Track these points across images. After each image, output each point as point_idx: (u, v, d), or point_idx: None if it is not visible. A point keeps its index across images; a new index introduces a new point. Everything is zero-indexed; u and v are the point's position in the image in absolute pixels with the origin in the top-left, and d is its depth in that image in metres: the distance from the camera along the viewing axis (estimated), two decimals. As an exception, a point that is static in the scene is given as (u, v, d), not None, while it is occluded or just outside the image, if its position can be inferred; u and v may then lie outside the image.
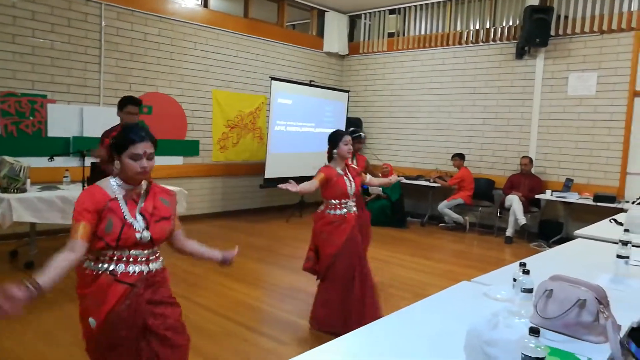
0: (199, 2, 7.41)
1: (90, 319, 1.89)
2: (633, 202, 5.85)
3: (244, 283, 4.68)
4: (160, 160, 3.99)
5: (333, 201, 3.52)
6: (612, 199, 6.28)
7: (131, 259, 1.94)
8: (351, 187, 3.55)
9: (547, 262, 2.73)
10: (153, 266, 2.01)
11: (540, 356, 1.27)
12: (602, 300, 1.73)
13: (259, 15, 8.32)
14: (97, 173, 5.26)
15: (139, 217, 1.95)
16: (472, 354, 1.49)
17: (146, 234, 1.94)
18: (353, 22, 9.68)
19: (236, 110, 7.89)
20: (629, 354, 1.41)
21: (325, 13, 9.22)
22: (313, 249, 3.60)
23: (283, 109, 7.86)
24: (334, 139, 3.58)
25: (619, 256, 2.58)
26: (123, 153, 1.92)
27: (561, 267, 2.16)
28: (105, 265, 1.91)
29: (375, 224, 7.67)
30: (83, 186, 4.77)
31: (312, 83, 8.72)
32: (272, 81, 7.65)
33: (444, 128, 8.38)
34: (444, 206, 7.67)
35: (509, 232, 6.96)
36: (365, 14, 9.35)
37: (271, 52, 8.38)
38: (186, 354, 2.10)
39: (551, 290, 1.79)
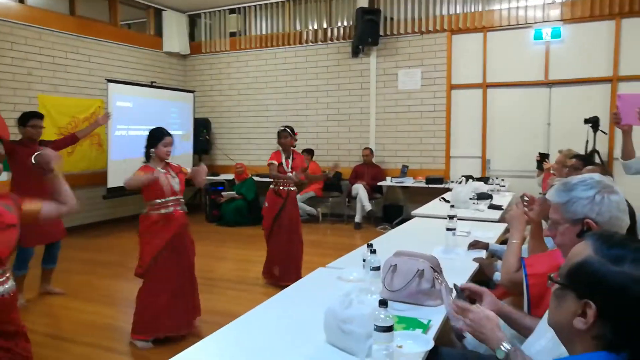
0: (13, -3, 6.57)
1: None
2: (456, 182, 6.71)
3: (93, 302, 4.32)
4: None
5: (156, 201, 3.36)
6: (440, 180, 7.10)
7: None
8: (173, 185, 3.39)
9: (390, 242, 3.00)
10: (2, 289, 1.71)
11: (388, 324, 1.41)
12: (436, 268, 1.97)
13: (89, 14, 7.65)
14: None
15: None
16: (331, 332, 1.60)
17: None
18: (193, 21, 9.45)
19: (69, 117, 7.17)
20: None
21: (163, 12, 8.84)
22: (142, 254, 3.44)
23: (123, 113, 7.37)
24: (154, 138, 3.41)
25: (447, 229, 2.95)
26: None
27: (403, 244, 2.40)
28: None
29: (233, 225, 7.71)
30: None
31: (154, 84, 8.32)
32: (109, 83, 7.13)
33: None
34: (297, 200, 7.91)
35: (357, 218, 7.47)
36: (205, 13, 9.19)
37: (106, 53, 7.78)
38: None
39: (395, 265, 1.99)
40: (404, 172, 7.54)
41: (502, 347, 1.36)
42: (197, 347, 1.65)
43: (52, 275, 4.49)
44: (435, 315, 1.83)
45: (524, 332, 1.63)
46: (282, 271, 4.66)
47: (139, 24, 9.21)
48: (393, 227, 7.00)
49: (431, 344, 1.55)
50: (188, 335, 3.42)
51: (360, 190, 7.40)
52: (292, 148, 4.82)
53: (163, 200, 3.36)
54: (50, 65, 6.95)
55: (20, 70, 6.57)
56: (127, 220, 7.94)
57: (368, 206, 7.31)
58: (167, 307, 3.36)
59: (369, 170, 7.70)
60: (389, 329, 1.41)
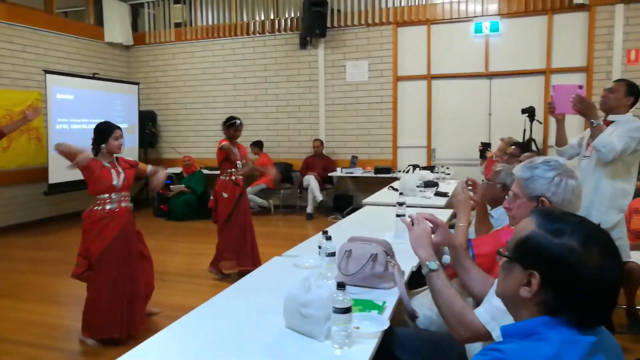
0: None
1: None
2: (403, 171, 6.91)
3: (40, 302, 4.17)
4: None
5: (101, 196, 3.27)
6: (388, 170, 7.29)
7: None
8: (119, 179, 3.31)
9: (344, 229, 3.08)
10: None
11: (347, 306, 1.48)
12: (389, 252, 2.06)
13: (22, 1, 7.25)
14: None
15: None
16: (290, 317, 1.65)
17: None
18: (136, 11, 9.14)
19: (3, 110, 6.80)
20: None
21: (103, 0, 8.50)
22: (83, 253, 3.31)
23: (64, 105, 7.07)
24: (103, 133, 3.30)
25: (397, 215, 3.06)
26: None
27: (356, 231, 2.47)
28: None
29: (182, 219, 7.58)
30: None
31: (96, 76, 8.01)
32: (47, 75, 6.81)
33: (241, 117, 8.50)
34: (248, 192, 7.87)
35: (309, 209, 7.55)
36: (148, 2, 8.92)
37: (42, 43, 7.41)
38: None
39: (350, 250, 2.06)
40: (354, 162, 7.68)
41: (432, 262, 1.59)
42: (154, 339, 1.63)
43: None
44: (389, 297, 1.92)
45: (463, 272, 1.76)
46: (240, 257, 4.67)
47: (77, 13, 8.82)
48: (344, 217, 7.14)
49: (387, 324, 1.64)
50: (137, 334, 3.30)
51: (311, 181, 7.47)
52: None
53: (107, 195, 3.27)
54: (-19, 55, 6.56)
55: (-53, 61, 6.16)
56: (71, 217, 7.64)
57: (319, 197, 7.40)
58: (111, 308, 3.26)
59: (320, 162, 7.78)
60: (347, 310, 1.48)
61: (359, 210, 4.08)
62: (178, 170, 8.25)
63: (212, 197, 4.88)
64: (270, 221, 7.61)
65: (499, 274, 1.08)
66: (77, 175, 7.14)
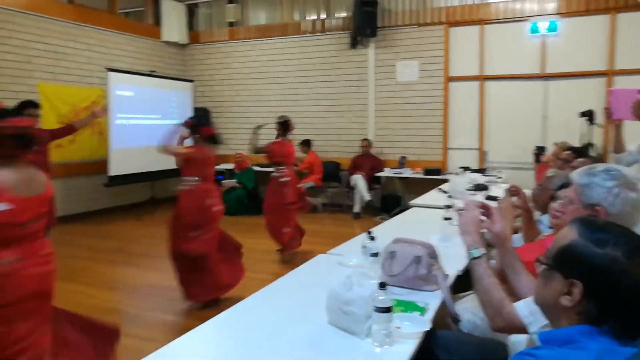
0: (13, -15, 6.58)
1: None
2: (454, 173, 6.81)
3: (98, 287, 4.42)
4: None
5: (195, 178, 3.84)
6: (438, 171, 7.20)
7: None
8: None
9: (390, 230, 3.09)
10: None
11: (387, 305, 1.51)
12: (433, 255, 2.06)
13: (87, 2, 7.67)
14: None
15: None
16: (333, 314, 1.69)
17: None
18: (192, 10, 9.45)
19: (69, 105, 7.22)
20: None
21: (161, 1, 8.85)
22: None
23: (124, 102, 7.42)
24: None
25: (444, 218, 3.04)
26: None
27: (401, 232, 2.48)
28: None
29: (234, 214, 7.78)
30: None
31: (154, 73, 8.35)
32: (109, 72, 7.17)
33: (291, 116, 8.62)
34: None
35: (356, 208, 7.57)
36: (203, 2, 9.20)
37: (106, 42, 7.81)
38: None
39: (394, 251, 2.08)
40: (402, 163, 7.63)
41: (476, 249, 1.60)
42: (198, 330, 1.71)
43: None
44: (431, 300, 1.93)
45: (513, 275, 1.69)
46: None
47: (137, 13, 9.21)
48: (391, 217, 7.13)
49: (428, 325, 1.65)
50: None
51: (359, 180, 7.49)
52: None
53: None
54: (50, 53, 6.98)
55: (20, 58, 6.60)
56: (128, 209, 8.04)
57: (367, 196, 7.41)
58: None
59: (368, 161, 7.78)
60: (388, 310, 1.51)
61: (407, 211, 4.07)
62: (230, 166, 8.47)
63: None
64: (318, 219, 7.67)
65: (538, 281, 1.08)
66: (135, 168, 7.56)
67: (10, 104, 6.51)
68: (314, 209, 8.12)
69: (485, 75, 7.39)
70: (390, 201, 7.75)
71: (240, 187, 7.96)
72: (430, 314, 1.81)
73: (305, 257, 5.09)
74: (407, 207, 4.46)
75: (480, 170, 6.52)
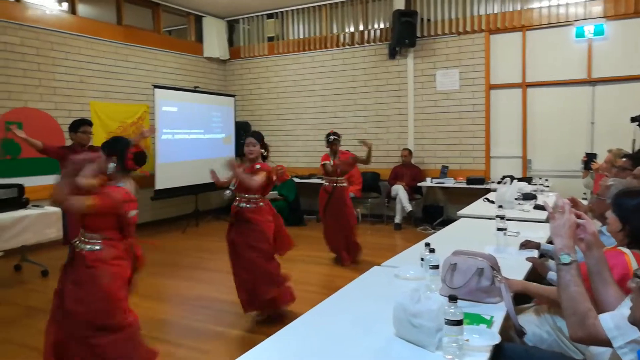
0: (66, 9, 6.91)
1: None
2: (498, 182, 6.69)
3: (147, 298, 4.53)
4: (37, 181, 3.77)
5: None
6: (481, 180, 7.08)
7: None
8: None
9: (441, 241, 3.07)
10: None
11: (459, 318, 1.51)
12: (495, 267, 2.04)
13: (134, 22, 7.98)
14: None
15: None
16: (400, 326, 1.70)
17: None
18: (232, 26, 9.69)
19: (117, 122, 7.50)
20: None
21: (203, 18, 9.11)
22: None
23: (169, 117, 7.65)
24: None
25: (498, 229, 3.00)
26: None
27: (453, 244, 2.47)
28: None
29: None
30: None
31: (197, 89, 8.58)
32: (156, 89, 7.41)
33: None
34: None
35: (397, 219, 7.52)
36: (243, 18, 9.41)
37: (151, 60, 8.09)
38: None
39: (455, 263, 2.07)
40: (444, 172, 7.55)
41: (566, 255, 1.54)
42: (264, 344, 1.71)
43: None
44: (496, 312, 1.91)
45: (601, 284, 1.64)
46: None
47: (179, 31, 9.51)
48: (434, 229, 7.07)
49: (498, 338, 1.63)
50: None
51: (399, 191, 7.44)
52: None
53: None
54: (101, 72, 7.28)
55: (74, 79, 6.91)
56: (173, 221, 8.23)
57: (408, 207, 7.35)
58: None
59: (408, 171, 7.74)
60: (459, 322, 1.51)
61: (456, 222, 4.03)
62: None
63: None
64: (358, 230, 7.63)
65: (634, 298, 1.05)
66: (180, 181, 7.74)
67: (65, 122, 6.86)
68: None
69: (527, 82, 7.25)
70: (432, 211, 7.67)
71: (281, 198, 8.04)
72: (497, 326, 1.79)
73: (354, 267, 5.14)
74: (450, 218, 4.41)
75: (526, 179, 6.39)
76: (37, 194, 5.39)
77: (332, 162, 5.58)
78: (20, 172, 5.75)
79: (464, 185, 7.17)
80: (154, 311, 4.21)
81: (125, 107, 7.64)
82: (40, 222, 5.00)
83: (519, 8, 7.23)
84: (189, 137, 8.04)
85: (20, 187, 5.25)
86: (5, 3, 6.13)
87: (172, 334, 3.79)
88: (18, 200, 5.18)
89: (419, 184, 7.62)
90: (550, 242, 3.24)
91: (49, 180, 3.00)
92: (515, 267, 2.56)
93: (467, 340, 1.62)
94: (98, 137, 7.27)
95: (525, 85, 7.28)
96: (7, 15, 6.12)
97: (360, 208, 8.24)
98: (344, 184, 5.73)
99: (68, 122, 6.80)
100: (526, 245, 2.89)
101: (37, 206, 5.14)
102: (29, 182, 5.41)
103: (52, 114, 6.62)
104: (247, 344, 1.70)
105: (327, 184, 5.69)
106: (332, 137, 5.61)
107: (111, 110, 7.39)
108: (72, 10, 7.00)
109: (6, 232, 4.78)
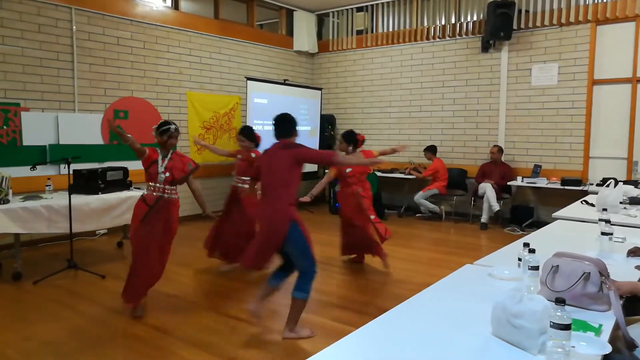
0: (170, 5, 7.36)
1: None
2: (598, 184, 6.24)
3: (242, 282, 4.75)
4: (138, 165, 4.04)
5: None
6: (578, 182, 6.64)
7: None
8: None
9: (539, 243, 2.93)
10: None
11: (566, 323, 1.43)
12: (604, 272, 1.92)
13: (229, 16, 8.32)
14: (80, 180, 5.22)
15: None
16: (498, 326, 1.65)
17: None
18: (321, 20, 9.80)
19: (211, 112, 7.89)
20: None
21: (294, 12, 9.29)
22: None
23: (260, 109, 7.91)
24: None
25: (603, 233, 2.81)
26: None
27: (553, 246, 2.34)
28: None
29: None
30: (69, 194, 4.71)
31: (287, 82, 8.79)
32: (248, 81, 7.69)
33: (416, 122, 8.62)
34: (419, 197, 7.90)
35: (483, 218, 7.25)
36: (333, 12, 9.48)
37: (243, 53, 8.41)
38: None
39: (557, 266, 1.97)
40: (537, 172, 7.16)
41: None
42: (354, 335, 1.71)
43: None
44: (604, 320, 1.79)
45: None
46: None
47: (271, 24, 9.77)
48: (523, 230, 6.75)
49: (608, 348, 1.54)
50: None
51: (487, 189, 7.17)
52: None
53: None
54: (198, 64, 7.68)
55: (173, 70, 7.35)
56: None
57: (496, 206, 7.06)
58: None
59: (497, 169, 7.43)
60: (567, 327, 1.43)
61: (550, 224, 3.82)
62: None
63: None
64: (441, 228, 7.50)
65: None
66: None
67: (165, 111, 7.33)
68: (437, 216, 7.96)
69: (639, 76, 6.67)
70: (522, 212, 7.32)
71: (364, 192, 8.04)
72: (606, 336, 1.68)
73: (434, 264, 5.03)
74: (541, 219, 4.18)
75: (632, 182, 5.89)
76: (138, 177, 5.82)
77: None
78: (125, 156, 6.21)
79: (558, 186, 6.75)
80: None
81: (219, 97, 8.00)
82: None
83: (631, -4, 6.66)
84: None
85: (125, 170, 5.71)
86: (119, 1, 6.64)
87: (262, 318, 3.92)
88: (123, 182, 5.63)
89: (508, 183, 7.29)
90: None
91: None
92: (623, 274, 2.38)
93: (573, 347, 1.54)
94: (193, 126, 7.72)
95: (635, 81, 6.70)
96: (120, 12, 6.63)
97: (445, 205, 8.05)
98: None
99: (167, 111, 7.34)
100: (635, 252, 2.69)
101: (138, 188, 5.53)
102: (132, 165, 5.83)
103: (153, 103, 7.10)
104: (333, 335, 1.67)
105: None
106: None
107: (205, 101, 7.78)
108: (175, 6, 7.44)
109: (112, 211, 5.22)
